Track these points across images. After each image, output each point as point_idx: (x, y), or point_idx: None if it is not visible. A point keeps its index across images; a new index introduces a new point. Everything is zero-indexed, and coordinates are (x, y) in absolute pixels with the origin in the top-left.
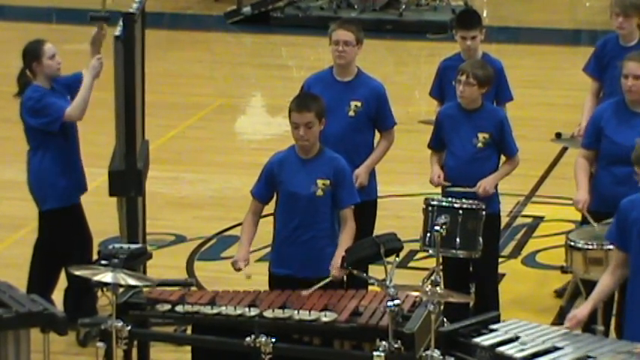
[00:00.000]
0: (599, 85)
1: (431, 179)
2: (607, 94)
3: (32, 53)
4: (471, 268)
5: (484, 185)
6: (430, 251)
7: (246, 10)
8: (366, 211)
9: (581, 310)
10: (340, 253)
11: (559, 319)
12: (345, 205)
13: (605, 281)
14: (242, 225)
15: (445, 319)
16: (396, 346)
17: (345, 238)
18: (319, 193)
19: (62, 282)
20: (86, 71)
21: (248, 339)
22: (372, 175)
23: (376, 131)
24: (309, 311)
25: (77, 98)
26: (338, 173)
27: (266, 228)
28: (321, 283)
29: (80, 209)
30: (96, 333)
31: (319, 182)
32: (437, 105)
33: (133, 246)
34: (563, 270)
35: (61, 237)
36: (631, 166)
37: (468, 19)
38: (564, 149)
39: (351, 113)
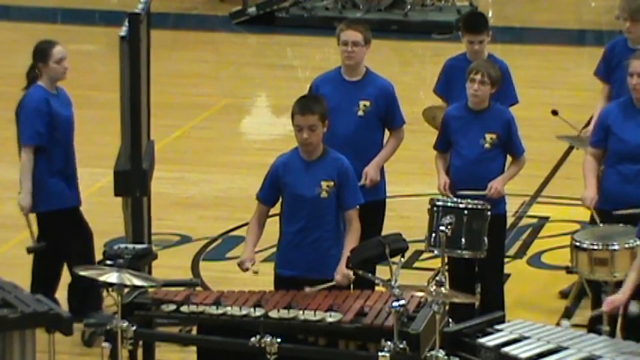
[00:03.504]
0: (610, 88)
1: (438, 187)
2: (615, 96)
3: (41, 53)
4: (476, 269)
5: (495, 186)
6: (435, 251)
7: (252, 10)
8: (375, 211)
9: (620, 295)
10: (346, 256)
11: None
12: (349, 206)
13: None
14: (248, 227)
15: (450, 320)
16: (401, 346)
17: (350, 240)
18: (323, 194)
19: (65, 278)
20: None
21: (253, 339)
22: (380, 174)
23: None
24: (315, 311)
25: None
26: (342, 174)
27: (271, 228)
28: (325, 285)
29: (77, 212)
30: (101, 333)
31: (323, 184)
32: (440, 102)
33: (139, 246)
34: (569, 270)
35: (59, 238)
36: (638, 163)
37: (476, 23)
38: (570, 149)
39: (360, 113)
